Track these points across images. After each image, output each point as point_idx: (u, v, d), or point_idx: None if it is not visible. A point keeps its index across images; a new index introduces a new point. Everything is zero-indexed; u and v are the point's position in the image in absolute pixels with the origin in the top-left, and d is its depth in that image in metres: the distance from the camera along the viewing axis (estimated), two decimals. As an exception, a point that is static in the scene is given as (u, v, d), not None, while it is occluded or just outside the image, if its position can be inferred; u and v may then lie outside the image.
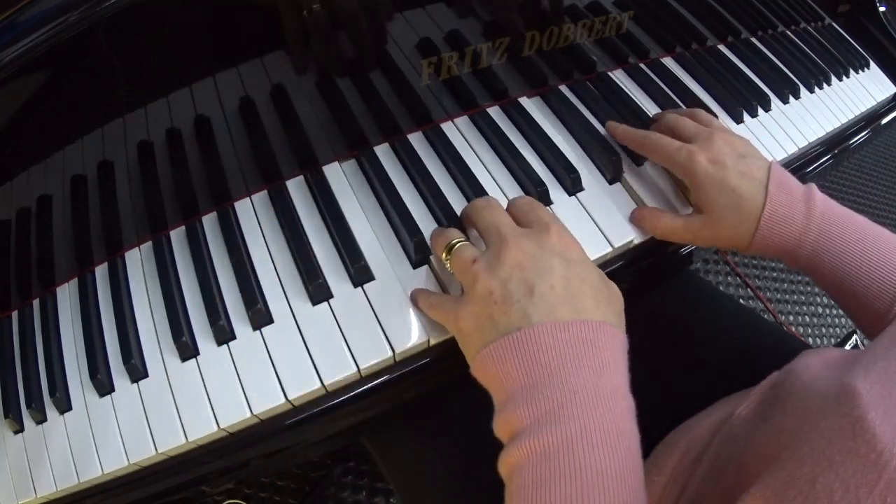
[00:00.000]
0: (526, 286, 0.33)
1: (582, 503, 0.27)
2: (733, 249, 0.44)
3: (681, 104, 0.58)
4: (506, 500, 0.31)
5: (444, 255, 0.38)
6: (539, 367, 0.31)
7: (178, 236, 0.46)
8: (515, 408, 0.30)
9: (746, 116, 0.59)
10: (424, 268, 0.43)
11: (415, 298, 0.41)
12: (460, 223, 0.43)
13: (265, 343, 0.40)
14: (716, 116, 0.56)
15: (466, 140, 0.51)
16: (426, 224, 0.45)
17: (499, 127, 0.51)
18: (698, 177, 0.42)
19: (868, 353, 0.30)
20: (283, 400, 0.38)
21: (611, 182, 0.50)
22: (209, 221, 0.46)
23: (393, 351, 0.39)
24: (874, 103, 0.70)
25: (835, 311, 1.34)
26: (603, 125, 0.53)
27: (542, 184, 0.47)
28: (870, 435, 0.24)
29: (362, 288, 0.42)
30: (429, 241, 0.42)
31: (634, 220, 0.47)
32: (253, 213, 0.46)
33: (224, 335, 0.40)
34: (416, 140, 0.50)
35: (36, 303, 0.45)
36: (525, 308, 0.32)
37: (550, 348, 0.31)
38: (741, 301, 1.28)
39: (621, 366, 0.33)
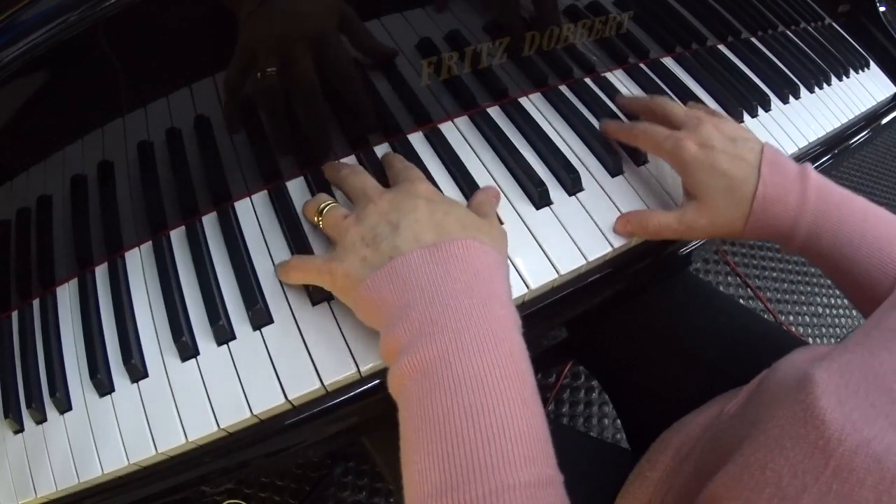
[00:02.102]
0: (391, 225, 0.35)
1: (462, 412, 0.28)
2: (729, 237, 0.44)
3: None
4: (399, 424, 0.31)
5: (315, 217, 0.40)
6: (411, 288, 0.32)
7: (178, 236, 0.46)
8: (393, 329, 0.31)
9: (746, 116, 0.59)
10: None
11: (289, 273, 0.40)
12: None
13: (265, 343, 0.40)
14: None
15: (466, 140, 0.51)
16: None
17: (499, 127, 0.51)
18: (687, 162, 0.42)
19: (840, 346, 0.30)
20: (283, 400, 0.38)
21: (611, 182, 0.50)
22: (209, 221, 0.46)
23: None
24: (874, 103, 0.70)
25: (835, 311, 1.34)
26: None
27: (542, 184, 0.47)
28: (819, 421, 0.24)
29: (362, 288, 0.42)
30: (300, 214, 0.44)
31: (618, 228, 0.46)
32: (253, 213, 0.46)
33: (224, 335, 0.40)
34: (416, 140, 0.50)
35: (36, 303, 0.45)
36: (393, 241, 0.34)
37: (419, 268, 0.32)
38: (741, 301, 1.28)
39: (497, 277, 0.34)
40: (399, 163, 0.43)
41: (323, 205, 0.40)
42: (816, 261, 0.42)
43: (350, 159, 0.49)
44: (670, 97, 0.58)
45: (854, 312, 1.35)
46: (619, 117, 0.54)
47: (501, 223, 0.45)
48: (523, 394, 0.30)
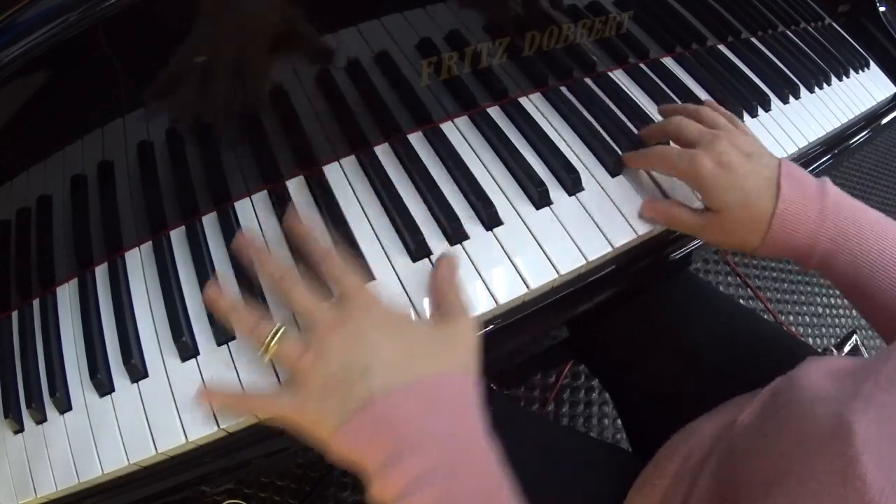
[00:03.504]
0: (358, 366, 0.33)
1: None
2: (744, 252, 0.44)
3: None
4: None
5: (261, 350, 0.35)
6: (394, 435, 0.31)
7: (178, 236, 0.45)
8: (384, 477, 0.31)
9: (746, 116, 0.59)
10: (425, 263, 0.43)
11: (224, 402, 0.37)
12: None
13: (265, 343, 0.40)
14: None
15: (466, 140, 0.51)
16: (426, 224, 0.45)
17: (499, 127, 0.51)
18: (704, 179, 0.42)
19: (871, 381, 0.29)
20: (283, 400, 0.38)
21: (611, 182, 0.50)
22: (209, 221, 0.46)
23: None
24: (874, 103, 0.70)
25: (834, 312, 1.34)
26: (603, 125, 0.53)
27: (542, 184, 0.47)
28: (860, 482, 0.23)
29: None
30: (222, 308, 0.37)
31: (645, 210, 0.47)
32: (253, 213, 0.46)
33: (224, 335, 0.40)
34: (416, 140, 0.50)
35: (36, 303, 0.45)
36: (365, 384, 0.32)
37: (399, 413, 0.32)
38: (741, 301, 1.28)
39: (472, 407, 0.34)
40: (335, 269, 0.37)
41: (269, 338, 0.35)
42: (834, 279, 0.42)
43: (350, 160, 0.49)
44: (670, 97, 0.58)
45: (854, 312, 1.35)
46: (619, 117, 0.54)
47: (501, 223, 0.45)
48: None
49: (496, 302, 0.42)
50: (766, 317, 1.27)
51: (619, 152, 0.50)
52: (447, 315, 0.38)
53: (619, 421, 1.04)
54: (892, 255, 0.39)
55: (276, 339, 0.35)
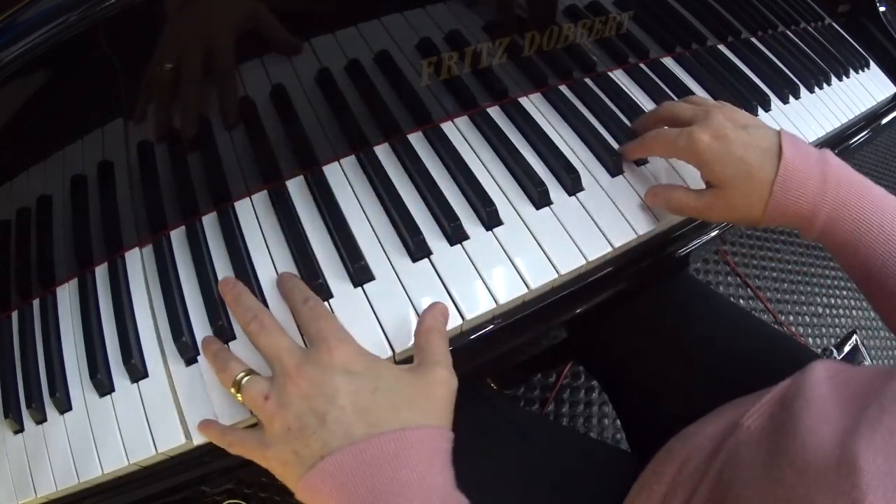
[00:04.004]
0: (317, 415, 0.32)
1: None
2: (748, 224, 0.43)
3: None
4: None
5: (232, 390, 0.36)
6: (347, 493, 0.30)
7: (178, 236, 0.45)
8: None
9: (746, 116, 0.59)
10: (425, 263, 0.43)
11: (211, 436, 0.37)
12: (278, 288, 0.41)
13: (265, 343, 0.40)
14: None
15: (466, 140, 0.51)
16: (426, 224, 0.45)
17: (499, 127, 0.51)
18: (703, 155, 0.42)
19: (876, 403, 0.29)
20: (283, 400, 0.38)
21: (611, 182, 0.50)
22: (209, 221, 0.46)
23: (393, 351, 0.39)
24: (874, 103, 0.70)
25: (834, 312, 1.34)
26: (603, 125, 0.53)
27: (542, 184, 0.47)
28: None
29: (362, 288, 0.42)
30: (209, 353, 0.38)
31: (648, 198, 0.47)
32: (253, 213, 0.46)
33: (225, 335, 0.40)
34: (416, 140, 0.50)
35: (36, 303, 0.45)
36: (322, 437, 0.31)
37: (353, 471, 0.30)
38: (741, 301, 1.28)
39: (435, 465, 0.32)
40: (308, 311, 0.37)
41: (239, 377, 0.35)
42: (835, 250, 0.41)
43: (350, 160, 0.49)
44: (670, 97, 0.58)
45: (854, 312, 1.35)
46: (619, 117, 0.54)
47: (501, 223, 0.45)
48: None
49: (496, 302, 0.42)
50: (765, 317, 1.27)
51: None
52: (427, 362, 0.36)
53: (619, 421, 1.04)
54: (890, 224, 0.38)
55: (243, 381, 0.35)
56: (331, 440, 0.31)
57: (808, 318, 1.30)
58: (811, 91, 0.66)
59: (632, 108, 0.55)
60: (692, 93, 0.59)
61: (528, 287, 0.43)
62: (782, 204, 0.40)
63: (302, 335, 0.39)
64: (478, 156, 0.50)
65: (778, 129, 0.43)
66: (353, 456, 0.31)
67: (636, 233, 0.46)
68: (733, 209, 0.42)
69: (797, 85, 0.65)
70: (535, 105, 0.54)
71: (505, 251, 0.44)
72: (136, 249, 0.45)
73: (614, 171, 0.50)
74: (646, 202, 0.47)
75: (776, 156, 0.40)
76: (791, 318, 1.29)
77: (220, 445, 0.36)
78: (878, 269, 0.39)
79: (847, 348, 0.97)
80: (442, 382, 0.35)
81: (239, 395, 0.35)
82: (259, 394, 0.34)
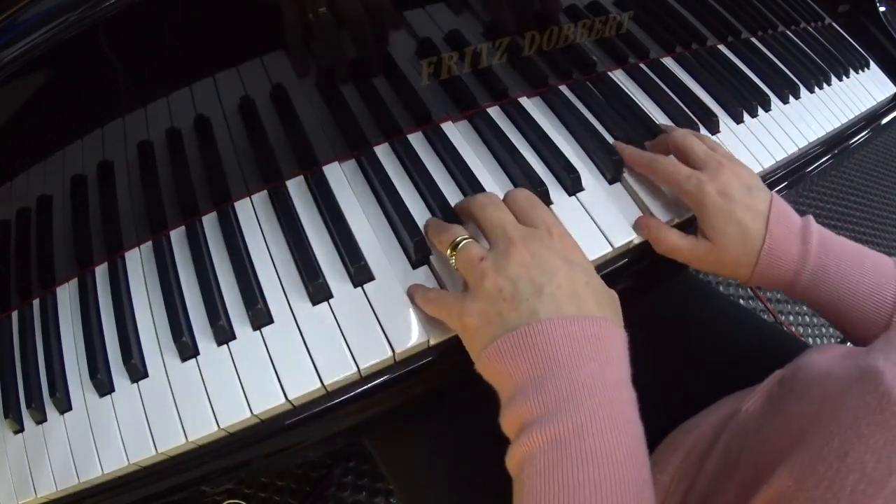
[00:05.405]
0: (534, 285, 0.34)
1: (592, 487, 0.29)
2: (733, 280, 0.45)
3: (681, 104, 0.58)
4: (514, 495, 0.31)
5: (448, 251, 0.38)
6: (547, 361, 0.32)
7: (178, 236, 0.46)
8: (525, 399, 0.31)
9: (746, 116, 0.59)
10: (424, 268, 0.43)
11: (411, 294, 0.41)
12: (458, 218, 0.43)
13: (265, 343, 0.40)
14: (716, 117, 0.56)
15: (466, 140, 0.51)
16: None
17: (499, 127, 0.51)
18: (707, 207, 0.43)
19: (882, 339, 0.31)
20: (283, 400, 0.38)
21: (611, 182, 0.50)
22: (209, 221, 0.46)
23: (393, 351, 0.39)
24: (874, 103, 0.70)
25: (835, 311, 1.34)
26: (603, 125, 0.53)
27: (542, 184, 0.47)
28: None
29: (362, 288, 0.42)
30: (430, 225, 0.42)
31: (639, 227, 0.47)
32: (253, 213, 0.46)
33: (224, 335, 0.40)
34: (416, 140, 0.50)
35: (36, 303, 0.45)
36: (533, 305, 0.33)
37: (558, 342, 0.32)
38: (741, 301, 1.28)
39: (623, 360, 0.35)
40: (525, 200, 0.39)
41: (458, 238, 0.38)
42: (817, 307, 0.43)
43: (350, 160, 0.49)
44: (670, 97, 0.58)
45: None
46: (619, 118, 0.54)
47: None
48: (643, 474, 0.31)
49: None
50: (765, 317, 1.27)
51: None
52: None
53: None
54: (868, 282, 0.41)
55: (462, 243, 0.37)
56: (541, 310, 0.33)
57: (808, 318, 1.30)
58: (811, 91, 0.66)
59: (631, 109, 0.55)
60: (692, 93, 0.59)
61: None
62: (767, 272, 0.42)
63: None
64: (478, 156, 0.50)
65: (771, 193, 0.44)
66: (561, 328, 0.32)
67: (636, 232, 0.46)
68: (722, 265, 0.44)
69: (797, 85, 0.65)
70: (535, 105, 0.54)
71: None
72: (136, 249, 0.45)
73: (614, 171, 0.50)
74: (636, 226, 0.47)
75: (766, 220, 0.42)
76: (791, 318, 1.29)
77: (416, 302, 0.40)
78: (858, 320, 0.42)
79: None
80: (618, 300, 0.38)
81: (453, 257, 0.38)
82: (476, 255, 0.36)
